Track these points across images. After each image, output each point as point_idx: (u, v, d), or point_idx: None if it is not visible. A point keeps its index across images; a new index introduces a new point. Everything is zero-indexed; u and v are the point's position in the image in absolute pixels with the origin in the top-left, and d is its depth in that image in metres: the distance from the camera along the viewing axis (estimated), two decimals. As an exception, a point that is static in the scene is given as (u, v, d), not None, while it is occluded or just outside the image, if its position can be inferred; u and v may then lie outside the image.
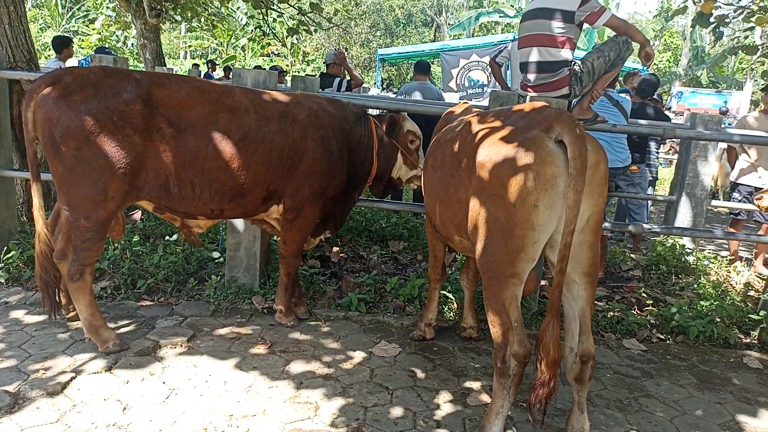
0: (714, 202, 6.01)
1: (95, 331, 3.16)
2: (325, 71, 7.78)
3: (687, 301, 4.43)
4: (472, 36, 28.30)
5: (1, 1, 4.30)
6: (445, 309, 4.10)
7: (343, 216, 3.96)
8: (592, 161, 2.21)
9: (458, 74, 18.21)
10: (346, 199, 3.84)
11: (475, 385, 3.16)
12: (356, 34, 32.75)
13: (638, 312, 4.35)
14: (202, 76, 13.69)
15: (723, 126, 5.87)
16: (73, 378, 2.90)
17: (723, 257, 5.74)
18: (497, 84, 6.82)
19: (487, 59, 17.26)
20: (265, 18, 10.92)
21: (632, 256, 5.65)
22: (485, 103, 8.42)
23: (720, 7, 7.84)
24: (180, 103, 3.06)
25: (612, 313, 4.16)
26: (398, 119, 3.85)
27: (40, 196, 3.02)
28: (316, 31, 11.91)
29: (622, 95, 5.37)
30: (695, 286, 4.92)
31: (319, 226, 3.82)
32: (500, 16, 27.16)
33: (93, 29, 21.93)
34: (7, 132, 4.32)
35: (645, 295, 4.66)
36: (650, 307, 4.42)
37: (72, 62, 9.63)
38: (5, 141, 4.30)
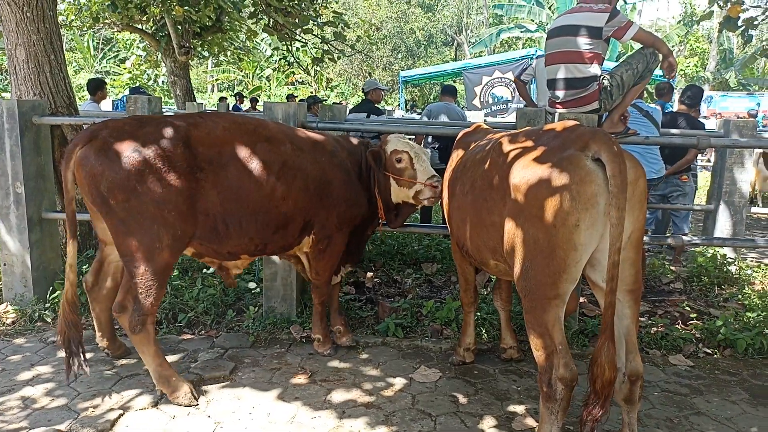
0: (753, 209, 5.85)
1: (166, 382, 3.06)
2: (364, 98, 7.98)
3: (732, 313, 4.30)
4: (494, 53, 28.38)
5: (42, 51, 4.49)
6: (482, 331, 4.06)
7: (360, 249, 3.97)
8: (631, 177, 2.19)
9: (481, 91, 18.24)
10: (361, 232, 3.83)
11: (519, 408, 3.11)
12: (378, 58, 33.14)
13: (682, 326, 4.24)
14: (230, 109, 14.03)
15: (757, 129, 5.73)
16: (121, 415, 2.96)
17: (767, 265, 5.57)
18: (521, 100, 6.84)
19: (510, 75, 17.30)
20: (290, 49, 11.17)
21: (672, 268, 5.53)
22: (510, 119, 8.41)
23: (747, 10, 7.72)
24: (219, 140, 3.10)
25: (656, 329, 4.07)
26: (379, 151, 3.60)
27: (75, 254, 3.04)
28: (339, 58, 12.11)
29: (652, 106, 5.32)
30: (740, 296, 4.78)
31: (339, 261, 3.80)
32: (521, 32, 27.23)
33: (124, 69, 22.70)
34: (50, 175, 4.49)
35: (688, 309, 4.54)
36: (694, 321, 4.30)
37: (106, 104, 10.00)
38: (48, 184, 4.46)
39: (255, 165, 3.14)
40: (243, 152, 3.13)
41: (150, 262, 2.91)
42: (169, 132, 2.96)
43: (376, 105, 7.37)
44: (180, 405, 3.05)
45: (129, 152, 2.84)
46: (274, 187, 3.20)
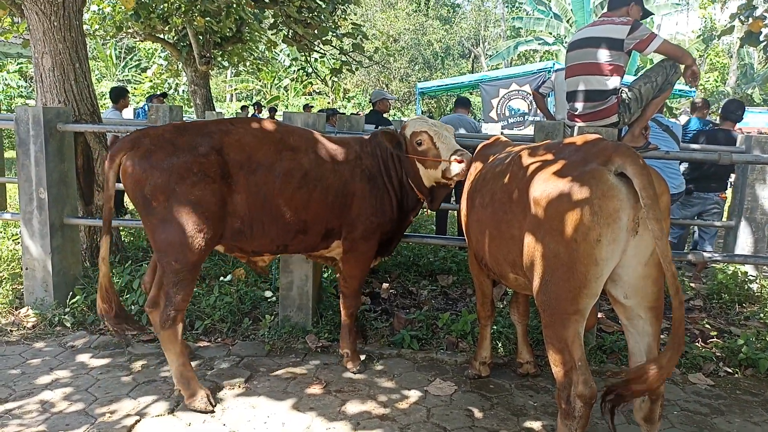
0: (776, 226, 5.75)
1: (186, 383, 3.12)
2: (372, 109, 8.05)
3: (754, 332, 4.22)
4: (511, 65, 28.38)
5: (68, 59, 4.58)
6: (499, 345, 4.03)
7: (395, 240, 3.88)
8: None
9: (498, 104, 18.21)
10: (399, 223, 3.76)
11: (536, 425, 3.08)
12: (395, 70, 33.25)
13: (703, 344, 4.17)
14: (248, 118, 14.15)
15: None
16: (137, 421, 2.98)
17: (790, 284, 5.46)
18: (539, 112, 6.84)
19: (527, 87, 17.26)
20: (308, 59, 11.27)
21: (692, 285, 5.45)
22: (527, 132, 8.40)
23: (769, 26, 7.64)
24: (249, 146, 3.23)
25: (675, 346, 4.00)
26: (398, 137, 3.54)
27: (108, 248, 3.17)
28: (357, 69, 12.19)
29: (672, 120, 5.28)
30: (761, 315, 4.70)
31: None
32: (539, 44, 27.21)
33: (145, 77, 23.03)
34: (73, 182, 4.56)
35: (708, 326, 4.47)
36: (715, 339, 4.23)
37: (128, 111, 10.14)
38: (71, 190, 4.53)
39: (278, 173, 3.25)
40: (268, 160, 3.25)
41: (182, 257, 3.05)
42: (205, 140, 3.14)
43: (383, 115, 7.41)
44: (195, 410, 3.07)
45: (169, 158, 3.03)
46: (294, 195, 3.29)
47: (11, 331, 4.06)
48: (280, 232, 3.33)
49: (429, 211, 3.82)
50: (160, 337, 3.15)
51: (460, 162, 3.34)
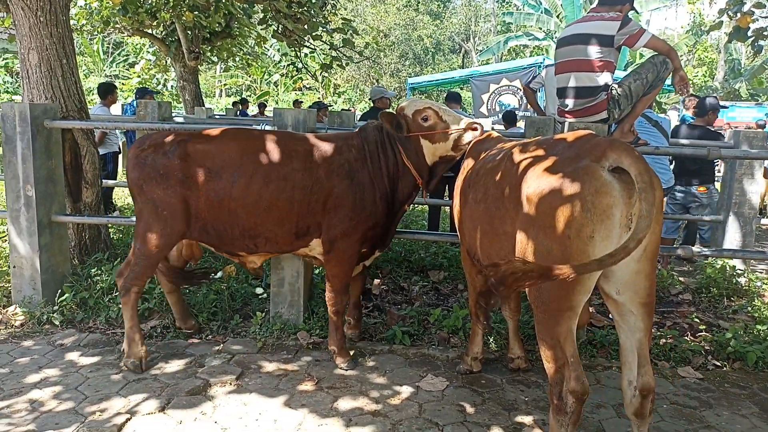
0: (763, 221, 5.81)
1: (128, 343, 3.53)
2: (372, 106, 8.05)
3: (742, 326, 4.26)
4: (501, 60, 28.41)
5: (54, 55, 4.53)
6: (490, 340, 4.04)
7: (390, 232, 3.85)
8: None
9: (489, 99, 18.23)
10: (391, 219, 3.74)
11: (527, 419, 3.09)
12: (386, 65, 33.23)
13: (692, 338, 4.21)
14: (237, 114, 14.09)
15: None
16: (128, 419, 2.96)
17: (777, 277, 5.53)
18: (529, 108, 6.86)
19: (517, 83, 17.28)
20: (298, 54, 11.21)
21: (681, 279, 5.50)
22: (519, 126, 8.45)
23: (757, 20, 7.69)
24: (211, 153, 3.46)
25: (664, 340, 4.04)
26: (397, 115, 3.54)
27: None
28: (347, 64, 12.15)
29: (662, 116, 5.31)
30: (749, 308, 4.74)
31: (366, 249, 3.75)
32: (529, 40, 27.28)
33: (134, 73, 22.85)
34: (61, 179, 4.51)
35: (697, 320, 4.51)
36: (703, 333, 4.27)
37: (116, 107, 10.04)
38: (59, 187, 4.48)
39: (240, 177, 3.42)
40: (232, 164, 3.43)
41: (145, 245, 3.50)
42: (174, 146, 3.46)
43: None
44: (127, 368, 3.46)
45: (145, 160, 3.47)
46: (251, 198, 3.42)
47: (-1, 329, 4.02)
48: (244, 233, 3.51)
49: (425, 194, 3.81)
50: (121, 301, 3.61)
51: (475, 129, 3.45)
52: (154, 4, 9.78)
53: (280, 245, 3.62)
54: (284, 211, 3.46)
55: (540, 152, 2.47)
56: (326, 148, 3.54)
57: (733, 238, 5.44)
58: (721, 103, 7.08)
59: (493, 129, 4.77)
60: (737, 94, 27.18)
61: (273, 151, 3.47)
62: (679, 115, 13.11)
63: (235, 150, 3.47)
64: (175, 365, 3.58)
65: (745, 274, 5.32)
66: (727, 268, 5.28)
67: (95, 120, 5.75)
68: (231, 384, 3.37)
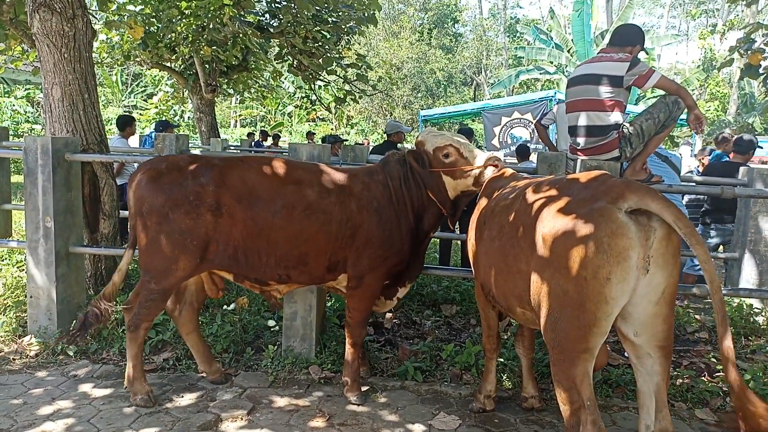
0: (780, 258, 5.75)
1: (131, 382, 3.50)
2: (386, 139, 8.14)
3: (761, 366, 4.18)
4: (513, 94, 28.68)
5: (77, 90, 4.66)
6: (504, 377, 4.00)
7: (418, 264, 3.87)
8: (665, 231, 2.18)
9: (501, 132, 18.38)
10: (417, 250, 3.77)
11: (542, 461, 3.04)
12: (398, 97, 33.62)
13: (709, 378, 4.14)
14: (252, 144, 14.29)
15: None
16: (139, 454, 2.95)
17: (795, 316, 5.43)
18: (540, 142, 6.91)
19: (528, 116, 17.43)
20: (312, 87, 11.41)
21: (697, 317, 5.42)
22: (531, 160, 8.49)
23: (768, 58, 7.74)
24: (250, 182, 3.37)
25: (681, 381, 3.97)
26: (419, 150, 3.60)
27: (128, 262, 3.60)
28: (361, 98, 12.32)
29: (672, 152, 5.32)
30: (767, 349, 4.66)
31: (393, 285, 3.79)
32: (540, 73, 27.55)
33: (151, 104, 23.30)
34: (79, 210, 4.59)
35: (714, 360, 4.43)
36: (721, 373, 4.19)
37: (134, 139, 10.23)
38: (77, 219, 4.56)
39: (277, 207, 3.36)
40: (268, 194, 3.37)
41: (162, 281, 3.37)
42: (207, 171, 3.36)
43: (398, 146, 7.48)
44: (138, 405, 3.42)
45: (170, 185, 3.33)
46: (293, 228, 3.37)
47: (14, 359, 4.05)
48: (278, 262, 3.44)
49: (451, 226, 3.87)
50: (127, 336, 3.49)
51: (495, 166, 3.49)
52: (173, 39, 10.03)
53: (312, 277, 3.58)
54: (322, 244, 3.44)
55: (555, 192, 2.49)
56: (356, 182, 3.58)
57: (749, 276, 5.38)
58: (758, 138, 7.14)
59: (504, 161, 4.81)
60: (751, 128, 27.11)
61: (313, 182, 3.47)
62: (691, 151, 13.10)
63: (277, 178, 3.42)
64: (186, 399, 3.58)
65: (763, 313, 5.24)
66: (744, 307, 5.20)
67: (114, 153, 5.87)
68: (242, 419, 3.36)
